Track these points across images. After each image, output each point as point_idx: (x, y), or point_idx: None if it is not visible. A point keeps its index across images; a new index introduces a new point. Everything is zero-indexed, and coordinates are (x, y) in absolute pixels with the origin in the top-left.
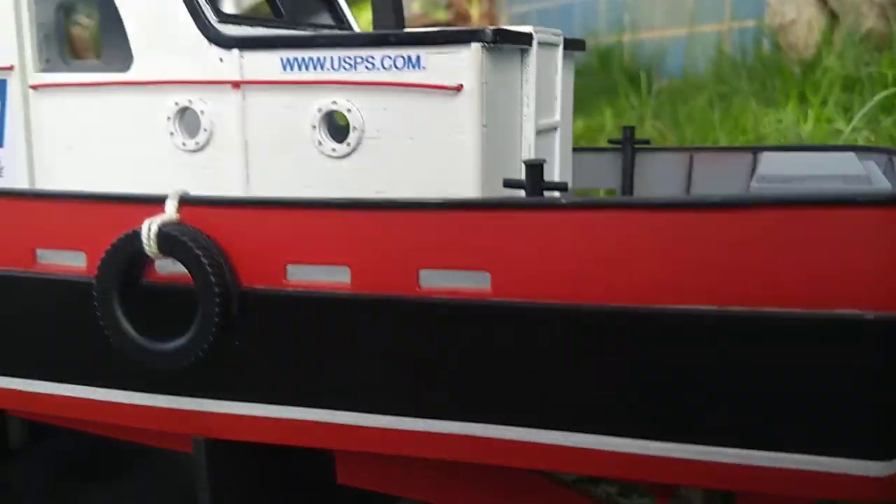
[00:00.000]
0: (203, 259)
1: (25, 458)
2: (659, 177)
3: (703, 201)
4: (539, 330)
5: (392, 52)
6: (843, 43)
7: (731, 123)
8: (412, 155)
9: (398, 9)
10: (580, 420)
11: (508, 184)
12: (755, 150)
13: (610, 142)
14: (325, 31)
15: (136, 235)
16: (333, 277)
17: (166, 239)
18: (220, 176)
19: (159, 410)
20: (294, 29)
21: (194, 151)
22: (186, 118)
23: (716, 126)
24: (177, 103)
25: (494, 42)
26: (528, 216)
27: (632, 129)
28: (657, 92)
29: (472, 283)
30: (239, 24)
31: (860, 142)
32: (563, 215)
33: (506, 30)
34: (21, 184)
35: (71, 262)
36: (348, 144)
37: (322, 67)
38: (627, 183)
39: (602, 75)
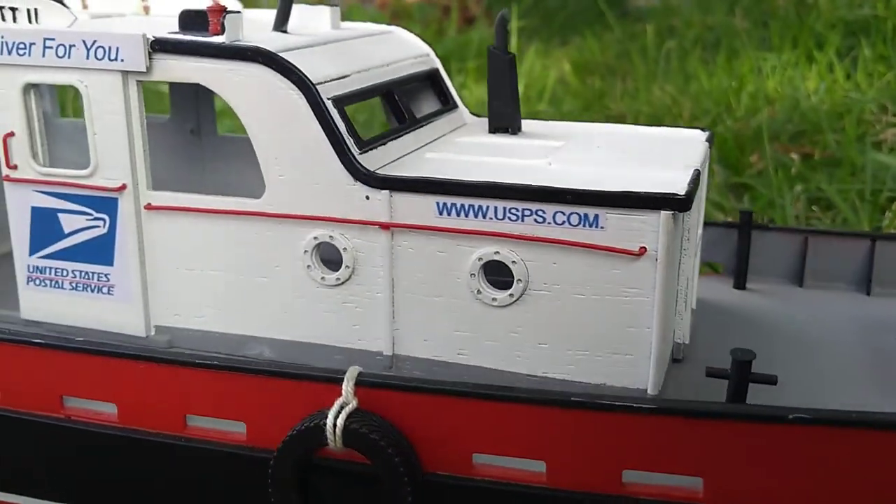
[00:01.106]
0: (393, 457)
1: None
2: (773, 256)
3: None
4: None
5: (567, 208)
6: None
7: (726, 70)
8: (581, 311)
9: (515, 98)
10: None
11: (712, 373)
12: (873, 238)
13: (727, 224)
14: (490, 181)
15: (320, 429)
16: (525, 469)
17: (352, 435)
18: (363, 312)
19: None
20: (417, 128)
21: (333, 286)
22: (323, 250)
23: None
24: (316, 238)
25: (683, 209)
26: (749, 428)
27: (749, 213)
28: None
29: (682, 484)
30: (377, 147)
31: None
32: (791, 430)
33: (689, 197)
34: (134, 304)
35: (229, 429)
36: (511, 296)
37: (484, 216)
38: (743, 264)
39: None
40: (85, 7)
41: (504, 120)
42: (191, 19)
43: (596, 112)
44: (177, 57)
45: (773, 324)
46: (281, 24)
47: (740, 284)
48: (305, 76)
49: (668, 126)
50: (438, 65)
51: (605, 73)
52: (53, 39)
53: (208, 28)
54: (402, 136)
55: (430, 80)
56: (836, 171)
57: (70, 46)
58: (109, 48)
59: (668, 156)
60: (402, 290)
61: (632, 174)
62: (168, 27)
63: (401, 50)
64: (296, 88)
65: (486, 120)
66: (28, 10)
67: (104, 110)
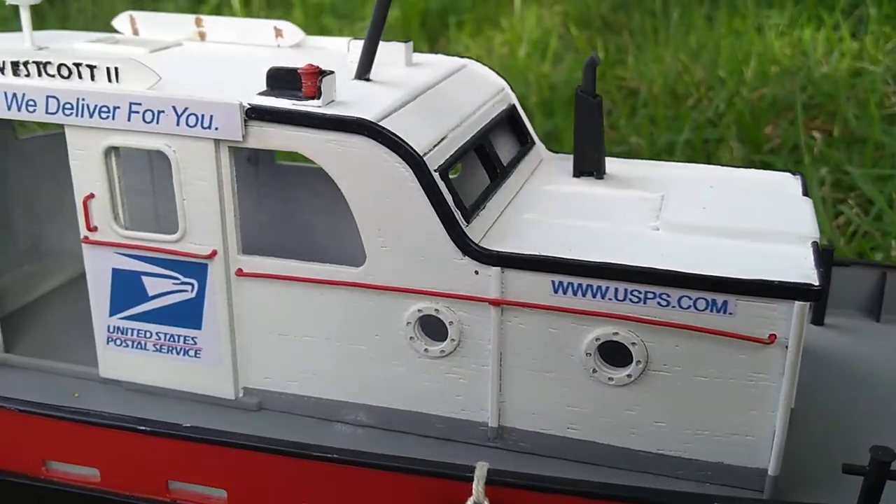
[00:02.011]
0: None
1: None
2: (851, 290)
3: None
4: None
5: (695, 293)
6: None
7: (728, 27)
8: (702, 393)
9: (602, 142)
10: None
11: (850, 470)
12: None
13: None
14: (611, 262)
15: None
16: None
17: None
18: (467, 383)
19: None
20: (505, 180)
21: (436, 358)
22: (426, 321)
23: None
24: (420, 311)
25: (817, 300)
26: None
27: (831, 250)
28: None
29: None
30: (479, 213)
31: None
32: None
33: (824, 288)
34: (223, 367)
35: None
36: (629, 376)
37: (602, 296)
38: (822, 301)
39: None
40: (135, 33)
41: (590, 164)
42: (281, 78)
43: (609, 82)
44: (274, 125)
45: (854, 363)
46: (364, 72)
47: (818, 320)
48: (413, 150)
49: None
50: (515, 100)
51: (602, 27)
52: (140, 104)
53: (301, 89)
54: (496, 192)
55: (509, 119)
56: (860, 149)
57: (159, 112)
58: (202, 116)
59: (778, 220)
60: (511, 364)
61: (751, 248)
62: (237, 68)
63: (481, 90)
64: (403, 162)
65: (562, 157)
66: (108, 69)
67: (194, 177)
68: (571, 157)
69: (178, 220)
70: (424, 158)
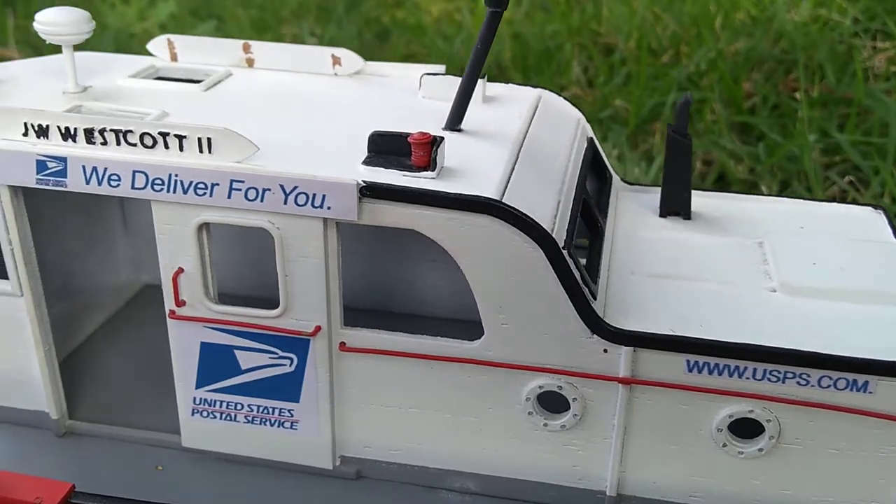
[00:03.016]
0: None
1: None
2: None
3: None
4: None
5: (836, 374)
6: None
7: None
8: (832, 465)
9: (689, 186)
10: None
11: None
12: None
13: None
14: (751, 344)
15: None
16: None
17: None
18: (586, 455)
19: None
20: (604, 233)
21: (555, 431)
22: (546, 395)
23: None
24: (541, 386)
25: None
26: None
27: None
28: None
29: None
30: (597, 278)
31: None
32: None
33: None
34: (321, 438)
35: None
36: (760, 450)
37: (740, 375)
38: None
39: None
40: (173, 58)
41: (679, 205)
42: (386, 144)
43: (585, 36)
44: (391, 204)
45: None
46: (457, 122)
47: None
48: (544, 230)
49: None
50: (590, 130)
51: None
52: (243, 182)
53: (409, 156)
54: (602, 252)
55: (592, 157)
56: (843, 111)
57: (264, 190)
58: (313, 195)
59: (890, 276)
60: (635, 436)
61: (878, 316)
62: (316, 113)
63: (565, 128)
64: (533, 242)
65: (637, 190)
66: (199, 140)
67: (299, 254)
68: (647, 189)
69: (280, 296)
70: (554, 236)
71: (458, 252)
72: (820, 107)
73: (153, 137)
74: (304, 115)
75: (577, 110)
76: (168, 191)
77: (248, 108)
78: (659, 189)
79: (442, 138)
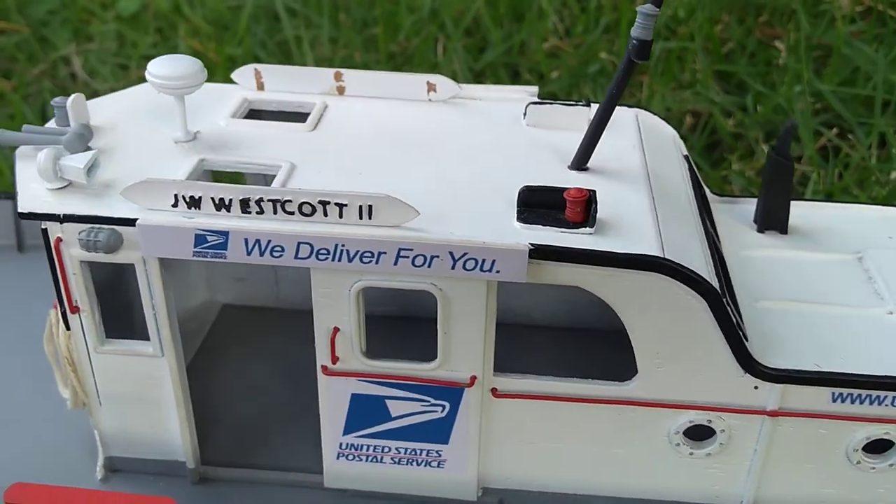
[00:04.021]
0: None
1: None
2: None
3: None
4: None
5: None
6: None
7: None
8: None
9: (788, 206)
10: None
11: None
12: None
13: None
14: (888, 375)
15: None
16: None
17: None
18: (725, 477)
19: None
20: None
21: (698, 459)
22: (694, 428)
23: None
24: (691, 421)
25: None
26: None
27: None
28: None
29: None
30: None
31: None
32: None
33: None
34: (467, 475)
35: None
36: (891, 465)
37: (880, 403)
38: None
39: None
40: (260, 88)
41: (777, 225)
42: (539, 199)
43: None
44: (558, 264)
45: None
46: (584, 162)
47: None
48: (709, 284)
49: None
50: (684, 147)
51: None
52: (411, 250)
53: (563, 210)
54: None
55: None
56: (823, 61)
57: (432, 257)
58: (483, 261)
59: None
60: (772, 459)
61: None
62: (447, 151)
63: (670, 152)
64: (698, 296)
65: (725, 201)
66: (360, 207)
67: (461, 312)
68: (736, 201)
69: (438, 349)
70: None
71: (620, 305)
72: (795, 54)
73: (312, 206)
74: (425, 156)
75: (670, 128)
76: (332, 259)
77: (366, 151)
78: (747, 200)
79: (593, 191)
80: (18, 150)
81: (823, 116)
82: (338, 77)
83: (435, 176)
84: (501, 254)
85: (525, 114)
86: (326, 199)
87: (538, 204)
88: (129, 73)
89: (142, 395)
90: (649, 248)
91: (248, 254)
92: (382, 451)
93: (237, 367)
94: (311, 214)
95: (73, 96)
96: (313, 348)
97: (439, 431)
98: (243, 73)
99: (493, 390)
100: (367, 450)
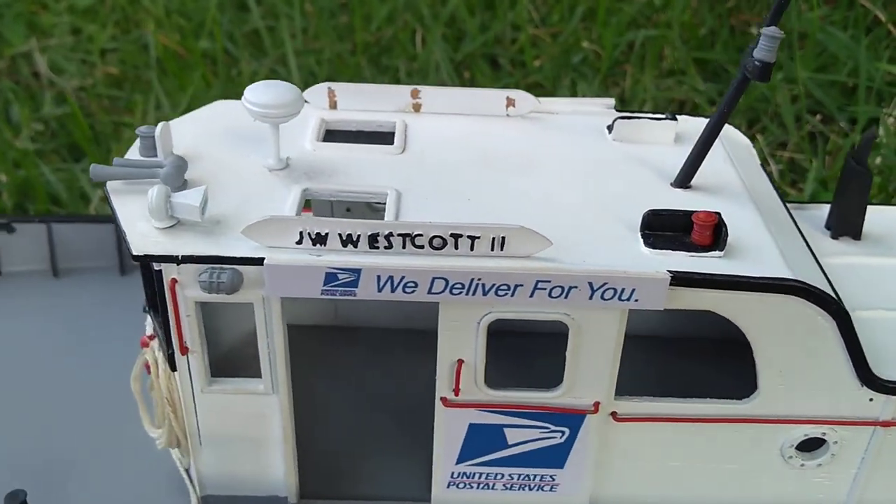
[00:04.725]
0: None
1: None
2: None
3: None
4: None
5: None
6: None
7: None
8: None
9: (864, 213)
10: None
11: None
12: None
13: None
14: None
15: None
16: None
17: None
18: (831, 485)
19: None
20: None
21: (808, 469)
22: (807, 440)
23: None
24: (806, 434)
25: None
26: None
27: None
28: None
29: None
30: None
31: None
32: None
33: None
34: (579, 496)
35: None
36: None
37: None
38: None
39: None
40: (333, 107)
41: (850, 229)
42: (664, 223)
43: None
44: (695, 290)
45: None
46: (687, 181)
47: None
48: (840, 304)
49: None
50: (757, 156)
51: None
52: (549, 282)
53: (688, 234)
54: None
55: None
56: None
57: (570, 288)
58: (622, 290)
59: None
60: (879, 466)
61: None
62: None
63: (753, 164)
64: (829, 317)
65: (799, 209)
66: (493, 239)
67: (592, 340)
68: (805, 207)
69: (565, 377)
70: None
71: (749, 326)
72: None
73: (444, 239)
74: (524, 177)
75: (744, 136)
76: (467, 293)
77: (464, 174)
78: (815, 206)
79: (718, 213)
80: (109, 184)
81: (804, 103)
82: (414, 94)
83: (542, 198)
84: (642, 283)
85: (612, 128)
86: (459, 233)
87: (662, 227)
88: (94, 70)
89: (245, 433)
90: (778, 269)
91: (380, 290)
92: (495, 479)
93: (316, 391)
94: (442, 248)
95: (160, 125)
96: (384, 369)
97: (556, 457)
98: (315, 92)
99: (614, 414)
100: (479, 477)
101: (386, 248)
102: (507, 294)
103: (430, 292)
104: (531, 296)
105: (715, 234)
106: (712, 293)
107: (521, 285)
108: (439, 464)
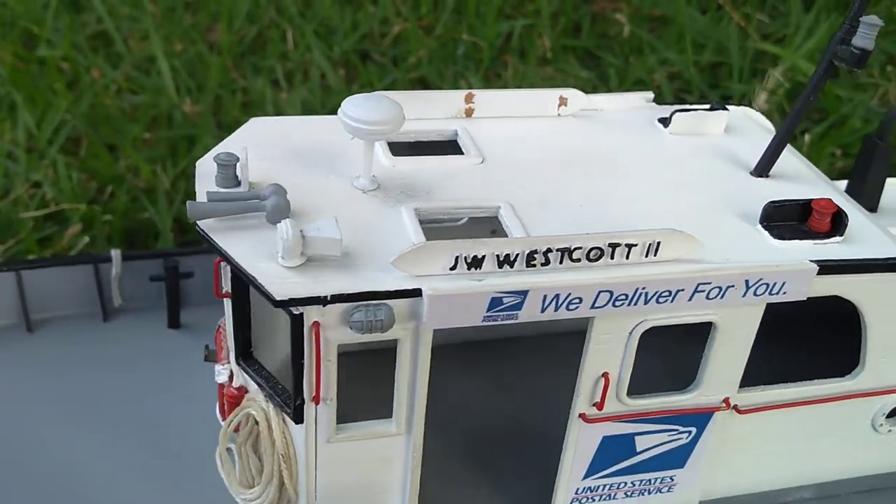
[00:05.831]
0: None
1: None
2: None
3: None
4: None
5: None
6: None
7: None
8: None
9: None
10: None
11: None
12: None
13: None
14: None
15: None
16: None
17: None
18: None
19: None
20: None
21: (893, 433)
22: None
23: None
24: None
25: None
26: None
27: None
28: None
29: None
30: None
31: None
32: None
33: None
34: (694, 493)
35: None
36: None
37: None
38: None
39: None
40: None
41: (868, 205)
42: (784, 213)
43: None
44: (830, 276)
45: None
46: (767, 169)
47: None
48: None
49: None
50: None
51: None
52: (709, 283)
53: (806, 222)
54: None
55: None
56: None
57: (727, 287)
58: (774, 284)
59: None
60: None
61: None
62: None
63: (793, 150)
64: None
65: None
66: (648, 245)
67: (732, 337)
68: None
69: (698, 376)
70: None
71: (868, 306)
72: (642, 24)
73: (601, 250)
74: (614, 178)
75: (770, 124)
76: (629, 304)
77: (555, 179)
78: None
79: (830, 199)
80: (203, 221)
81: (677, 83)
82: (468, 99)
83: (646, 198)
84: (792, 275)
85: (665, 121)
86: (616, 241)
87: (785, 218)
88: None
89: (367, 480)
90: (890, 249)
91: (543, 311)
92: (618, 489)
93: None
94: (598, 259)
95: (240, 152)
96: (454, 383)
97: (679, 457)
98: None
99: (736, 407)
100: (603, 489)
101: (543, 265)
102: (667, 300)
103: (593, 307)
104: (690, 299)
105: (834, 221)
106: (841, 278)
107: (682, 290)
108: (564, 481)
